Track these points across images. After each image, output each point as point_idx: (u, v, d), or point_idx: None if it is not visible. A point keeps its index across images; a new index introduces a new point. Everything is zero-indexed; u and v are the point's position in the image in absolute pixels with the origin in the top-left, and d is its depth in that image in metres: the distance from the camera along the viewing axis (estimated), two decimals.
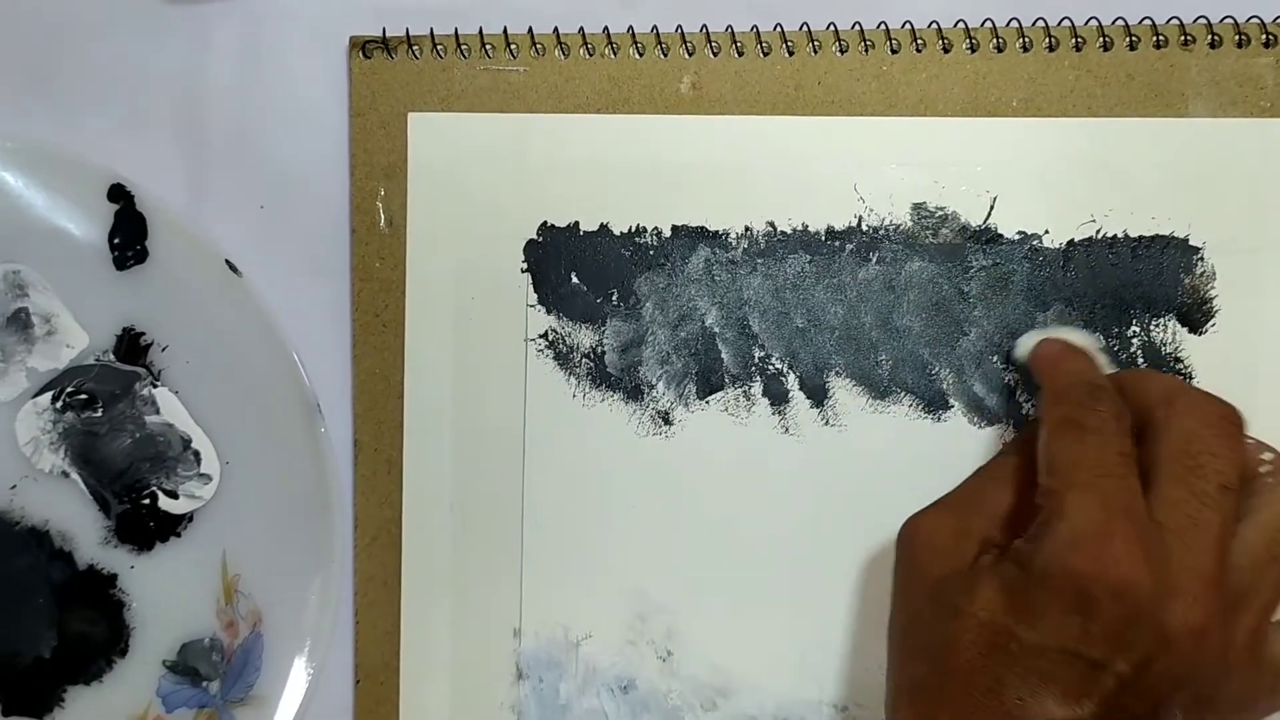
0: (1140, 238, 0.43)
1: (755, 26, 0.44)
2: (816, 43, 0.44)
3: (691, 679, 0.45)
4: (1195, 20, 0.43)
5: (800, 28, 0.44)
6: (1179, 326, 0.43)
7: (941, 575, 0.36)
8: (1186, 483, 0.34)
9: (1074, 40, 0.43)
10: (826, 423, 0.44)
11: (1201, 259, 0.43)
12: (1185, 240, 0.43)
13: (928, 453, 0.44)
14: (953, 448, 0.44)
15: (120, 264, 0.45)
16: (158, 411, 0.46)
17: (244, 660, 0.46)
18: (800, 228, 0.44)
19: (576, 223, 0.45)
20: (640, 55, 0.44)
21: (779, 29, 0.44)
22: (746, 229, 0.44)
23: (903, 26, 0.44)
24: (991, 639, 0.34)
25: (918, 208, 0.44)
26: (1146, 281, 0.43)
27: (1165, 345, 0.43)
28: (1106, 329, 0.43)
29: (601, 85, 0.44)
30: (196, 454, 0.46)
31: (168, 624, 0.46)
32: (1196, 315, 0.43)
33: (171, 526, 0.46)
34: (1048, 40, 0.43)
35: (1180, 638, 0.32)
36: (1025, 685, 0.33)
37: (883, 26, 0.44)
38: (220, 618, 0.46)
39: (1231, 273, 0.43)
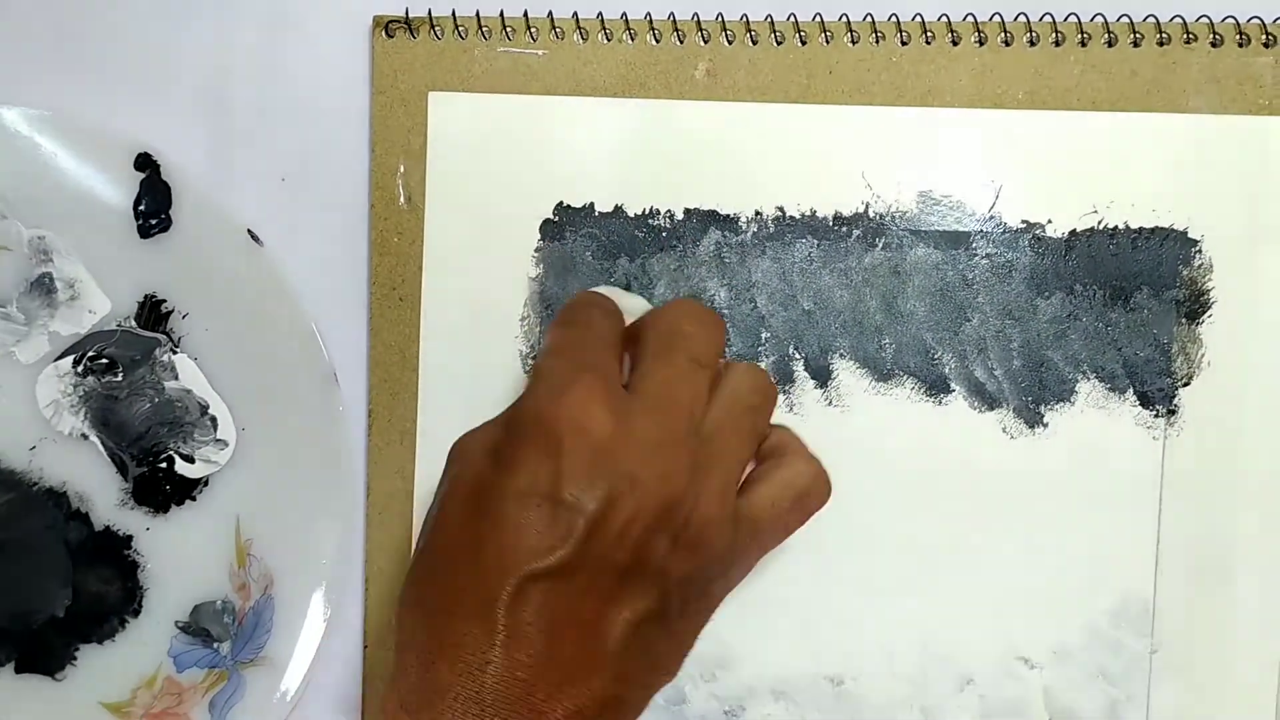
0: (1140, 229, 0.44)
1: (769, 16, 0.45)
2: (829, 33, 0.45)
3: (692, 652, 0.46)
4: (1198, 19, 0.44)
5: (813, 18, 0.45)
6: (1179, 318, 0.44)
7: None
8: (661, 358, 0.37)
9: (1080, 36, 0.44)
10: (830, 403, 0.45)
11: (1200, 251, 0.44)
12: (1184, 233, 0.44)
13: (928, 434, 0.45)
14: (953, 430, 0.45)
15: (144, 232, 0.46)
16: (176, 377, 0.47)
17: (255, 622, 0.47)
18: (809, 213, 0.45)
19: (592, 204, 0.46)
20: (657, 41, 0.45)
21: (792, 18, 0.45)
22: (756, 213, 0.45)
23: (913, 19, 0.45)
24: (476, 497, 0.35)
25: (924, 195, 0.45)
26: (1146, 272, 0.44)
27: (1163, 337, 0.44)
28: (1105, 317, 0.44)
29: (618, 70, 0.45)
30: (213, 420, 0.47)
31: (181, 585, 0.47)
32: (1194, 306, 0.44)
33: (187, 490, 0.47)
34: (1054, 35, 0.44)
35: (646, 480, 0.34)
36: (502, 533, 0.34)
37: (893, 18, 0.45)
38: (233, 580, 0.47)
39: (1229, 265, 0.44)
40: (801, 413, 0.45)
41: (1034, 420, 0.45)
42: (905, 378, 0.45)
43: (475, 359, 0.46)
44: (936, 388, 0.45)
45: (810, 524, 0.45)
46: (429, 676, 0.33)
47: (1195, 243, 0.44)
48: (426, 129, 0.46)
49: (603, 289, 0.42)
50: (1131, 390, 0.45)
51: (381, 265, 0.46)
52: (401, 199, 0.46)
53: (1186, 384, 0.44)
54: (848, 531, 0.45)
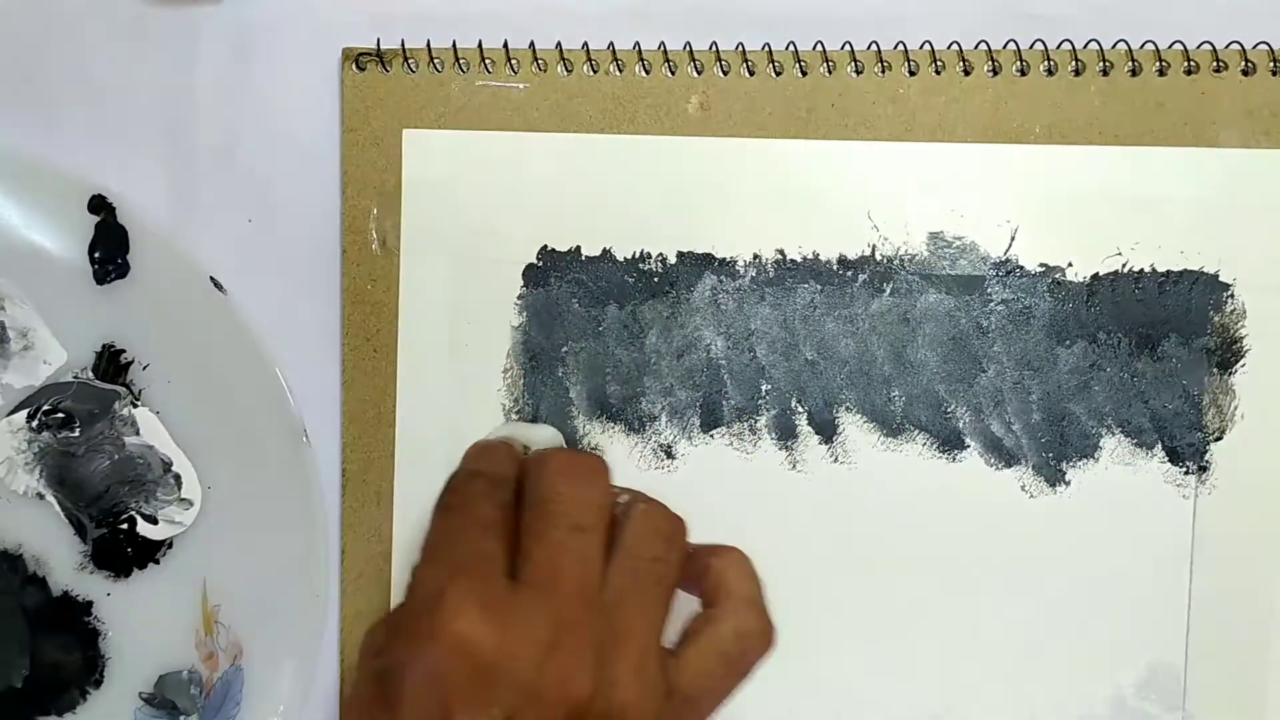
0: (1168, 272, 0.41)
1: (767, 45, 0.42)
2: (831, 63, 0.42)
3: None
4: (1228, 46, 0.41)
5: (814, 47, 0.42)
6: (1210, 367, 0.41)
7: None
8: (542, 535, 0.34)
9: (1101, 64, 0.41)
10: (836, 460, 0.42)
11: (1232, 296, 0.41)
12: (1215, 276, 0.41)
13: (942, 494, 0.42)
14: (968, 489, 0.42)
15: (100, 278, 0.43)
16: (137, 432, 0.44)
17: (223, 694, 0.44)
18: (811, 256, 0.42)
19: (578, 247, 0.43)
20: (646, 73, 0.42)
21: (792, 48, 0.42)
22: (755, 256, 0.42)
23: (921, 47, 0.42)
24: None
25: (935, 237, 0.42)
26: (1174, 319, 0.41)
27: (1194, 388, 0.41)
28: (1131, 367, 0.41)
29: (605, 104, 0.42)
30: (177, 477, 0.44)
31: (145, 655, 0.44)
32: (1226, 355, 0.41)
33: (150, 553, 0.44)
34: (1073, 64, 0.41)
35: (546, 688, 0.31)
36: None
37: (900, 47, 0.42)
38: (199, 649, 0.44)
39: (1263, 311, 0.41)
40: (805, 470, 0.42)
41: (1055, 478, 0.42)
42: (916, 433, 0.42)
43: (455, 414, 0.43)
44: (950, 444, 0.42)
45: (817, 588, 0.43)
46: None
47: (1227, 286, 0.41)
48: (401, 168, 0.43)
49: (502, 431, 0.40)
50: (1160, 445, 0.41)
51: (354, 314, 0.43)
52: (375, 243, 0.43)
53: (1219, 438, 0.41)
54: (855, 598, 0.42)
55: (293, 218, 0.44)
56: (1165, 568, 0.42)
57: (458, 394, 0.43)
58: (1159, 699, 0.42)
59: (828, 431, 0.42)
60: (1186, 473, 0.41)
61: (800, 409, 0.42)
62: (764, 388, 0.42)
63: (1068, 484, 0.42)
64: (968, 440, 0.42)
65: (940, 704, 0.42)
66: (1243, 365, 0.41)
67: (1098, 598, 0.42)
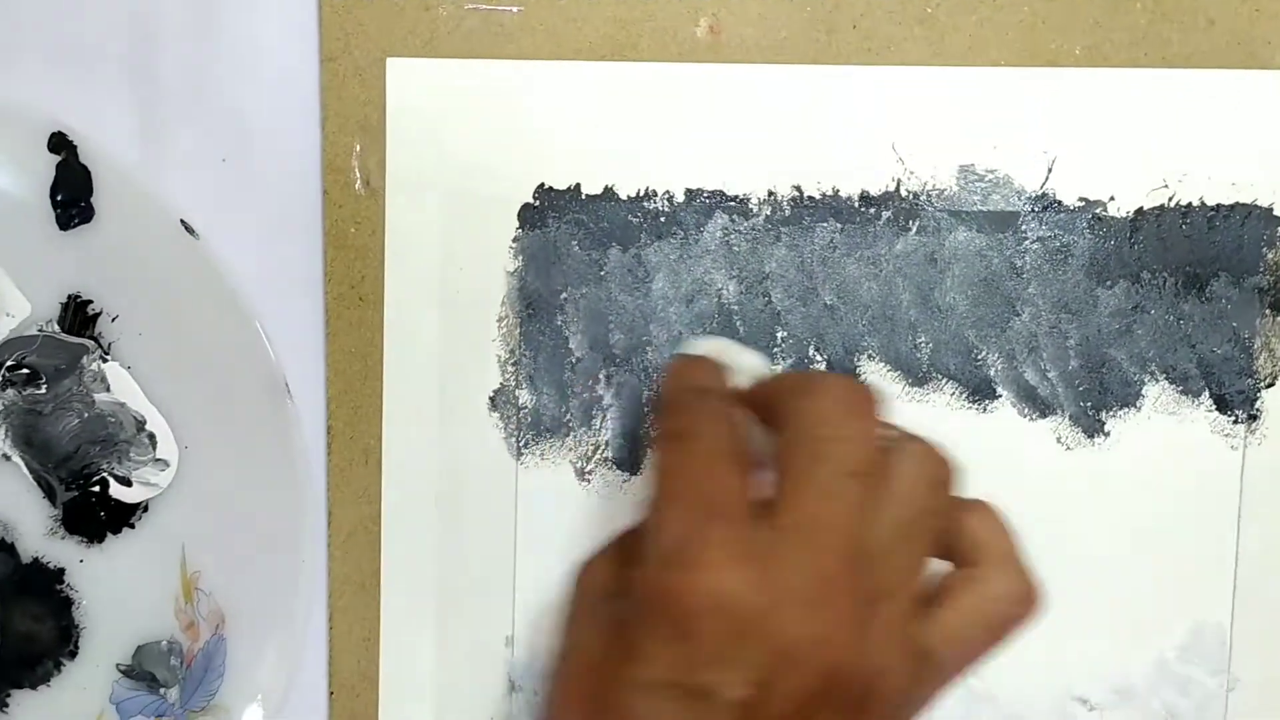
0: (1218, 206, 0.38)
1: None
2: None
3: None
4: None
5: None
6: (1262, 308, 0.38)
7: None
8: (810, 474, 0.30)
9: None
10: None
11: None
12: (1269, 210, 0.38)
13: (971, 446, 0.39)
14: (1000, 441, 0.39)
15: (64, 223, 0.40)
16: (108, 389, 0.41)
17: (205, 665, 0.41)
18: (830, 192, 0.39)
19: (578, 185, 0.39)
20: None
21: None
22: (770, 193, 0.39)
23: None
24: (593, 686, 0.30)
25: (965, 170, 0.38)
26: (1224, 256, 0.38)
27: (1244, 330, 0.38)
28: (1177, 309, 0.38)
29: (606, 28, 0.39)
30: (151, 437, 0.41)
31: (121, 624, 0.41)
32: None
33: (124, 517, 0.41)
34: None
35: (802, 649, 0.28)
36: None
37: None
38: (179, 618, 0.41)
39: None
40: None
41: (1094, 429, 0.39)
42: (944, 381, 0.39)
43: (446, 366, 0.40)
44: (980, 392, 0.39)
45: None
46: None
47: None
48: (385, 101, 0.40)
49: (702, 345, 0.37)
50: (1207, 393, 0.38)
51: (337, 260, 0.40)
52: (358, 183, 0.40)
53: (1271, 385, 0.38)
54: None
55: (269, 156, 0.40)
56: (1211, 523, 0.39)
57: (449, 344, 0.40)
58: (1203, 663, 0.39)
59: None
60: (1235, 422, 0.38)
61: (819, 357, 0.39)
62: (780, 335, 0.39)
63: (1107, 435, 0.39)
64: (999, 389, 0.39)
65: None
66: None
67: (1138, 556, 0.39)
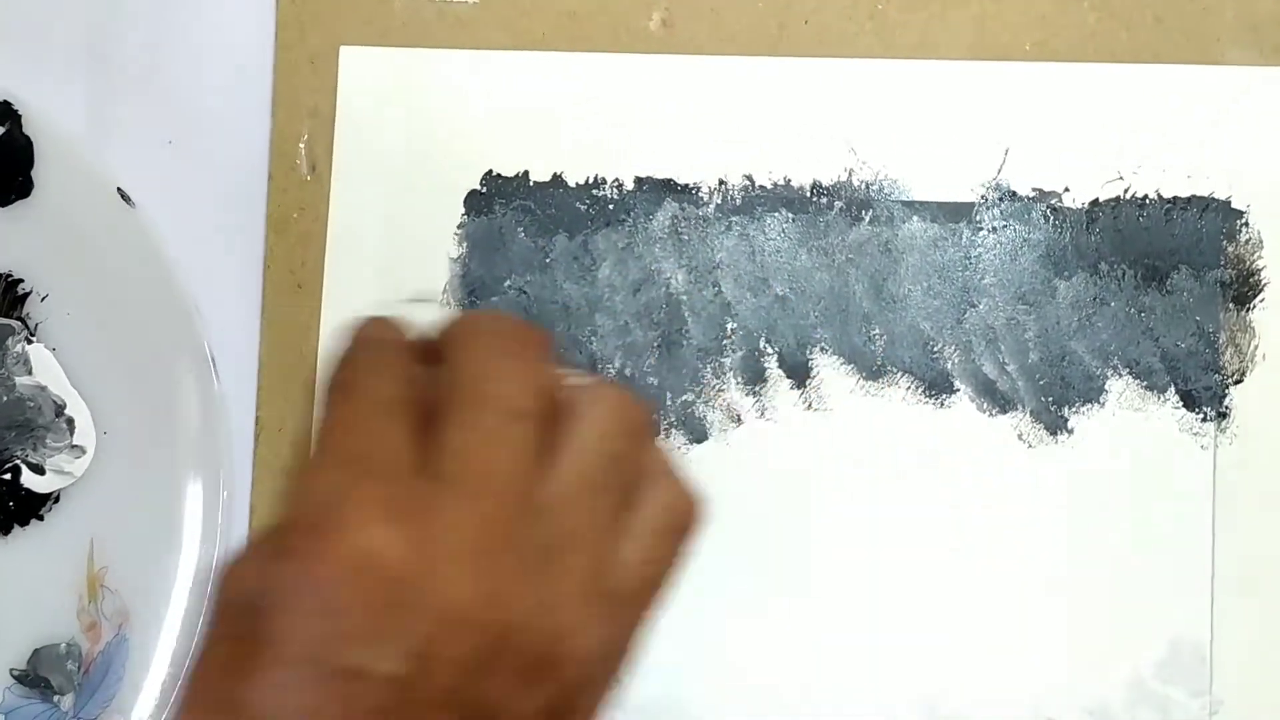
0: (1175, 198, 0.37)
1: None
2: None
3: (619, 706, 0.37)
4: None
5: None
6: (1225, 302, 0.37)
7: None
8: (468, 421, 0.27)
9: None
10: (809, 406, 0.38)
11: (1246, 224, 0.37)
12: (1226, 203, 0.37)
13: (928, 443, 0.37)
14: (958, 437, 0.37)
15: (2, 199, 0.39)
16: (30, 371, 0.39)
17: (104, 670, 0.38)
18: (782, 182, 0.38)
19: (526, 172, 0.39)
20: None
21: None
22: (721, 183, 0.38)
23: None
24: (234, 668, 0.25)
25: (917, 161, 0.38)
26: (1184, 249, 0.37)
27: (1208, 324, 0.37)
28: (1138, 301, 0.37)
29: (559, 20, 0.39)
30: (70, 422, 0.39)
31: (19, 624, 0.38)
32: (1243, 289, 0.37)
33: (34, 508, 0.39)
34: None
35: (466, 611, 0.25)
36: None
37: None
38: (81, 618, 0.38)
39: None
40: (774, 418, 0.38)
41: (1056, 425, 0.37)
42: (899, 375, 0.38)
43: None
44: (937, 387, 0.37)
45: (789, 545, 0.37)
46: None
47: (1240, 214, 0.37)
48: (336, 89, 0.39)
49: (398, 302, 0.34)
50: (1173, 389, 0.37)
51: (278, 246, 0.39)
52: (304, 169, 0.39)
53: (1239, 381, 0.37)
54: (831, 563, 0.37)
55: (217, 140, 0.40)
56: (1184, 527, 0.37)
57: None
58: (1182, 682, 0.36)
59: (800, 374, 0.38)
60: (1204, 419, 0.37)
61: (770, 350, 0.38)
62: (729, 326, 0.38)
63: (1070, 432, 0.37)
64: (957, 383, 0.37)
65: (928, 688, 0.37)
66: (1261, 301, 0.37)
67: (1108, 562, 0.37)
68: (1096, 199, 0.37)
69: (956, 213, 0.38)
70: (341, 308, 0.39)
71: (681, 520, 0.28)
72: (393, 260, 0.39)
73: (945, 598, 0.37)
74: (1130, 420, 0.37)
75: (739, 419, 0.38)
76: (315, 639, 0.24)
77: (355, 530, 0.25)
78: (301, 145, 0.39)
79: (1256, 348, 0.37)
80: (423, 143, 0.39)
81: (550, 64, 0.39)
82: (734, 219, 0.38)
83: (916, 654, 0.37)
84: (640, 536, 0.28)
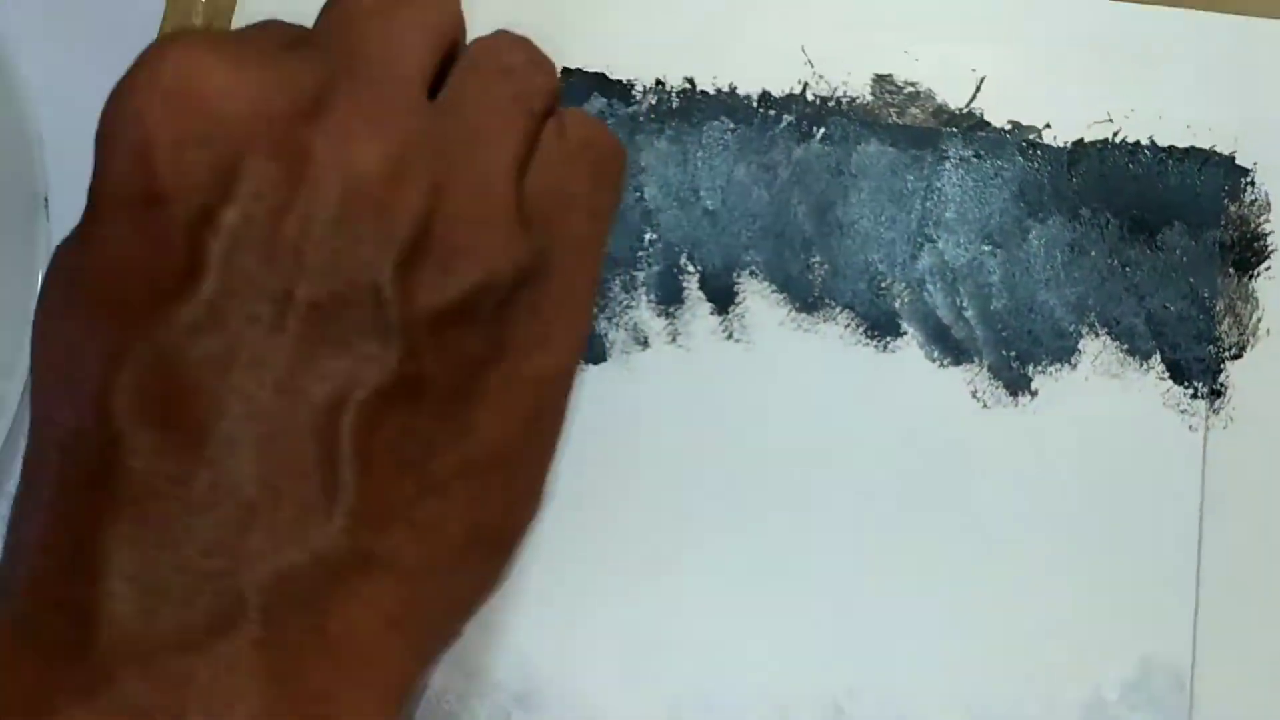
0: (1171, 148, 0.32)
1: None
2: None
3: (483, 677, 0.30)
4: None
5: None
6: (1224, 266, 0.32)
7: None
8: (338, 3, 0.24)
9: None
10: (730, 335, 0.32)
11: (1252, 183, 0.32)
12: (1230, 158, 0.32)
13: (865, 391, 0.31)
14: (901, 387, 0.31)
15: None
16: None
17: None
18: (726, 89, 0.34)
19: None
20: None
21: None
22: (658, 82, 0.34)
23: None
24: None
25: (881, 80, 0.33)
26: (1178, 204, 0.32)
27: (1203, 289, 0.31)
28: (1122, 255, 0.32)
29: None
30: None
31: None
32: (1246, 253, 0.32)
33: None
34: None
35: (314, 145, 0.21)
36: (76, 287, 0.22)
37: None
38: None
39: None
40: (688, 345, 0.32)
41: (1018, 385, 0.31)
42: (838, 310, 0.32)
43: None
44: (882, 327, 0.32)
45: (684, 510, 0.31)
46: None
47: (1246, 172, 0.32)
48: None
49: None
50: (1158, 356, 0.31)
51: None
52: (198, 20, 0.35)
53: (1237, 356, 0.31)
54: (734, 525, 0.31)
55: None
56: (1165, 523, 0.30)
57: None
58: (1153, 709, 0.29)
59: (723, 299, 0.32)
60: (1194, 395, 0.31)
61: (691, 269, 0.32)
62: (648, 237, 0.33)
63: (1033, 394, 0.31)
64: (904, 325, 0.32)
65: (840, 687, 0.29)
66: (1267, 268, 0.32)
67: (1070, 557, 0.30)
68: (1081, 139, 0.33)
69: (920, 138, 0.33)
70: None
71: (595, 136, 0.26)
72: None
73: (868, 577, 0.30)
74: (1106, 387, 0.31)
75: (646, 341, 0.32)
76: (126, 167, 0.21)
77: (166, 49, 0.21)
78: (196, 13, 0.35)
79: (1260, 320, 0.31)
80: None
81: None
82: (668, 122, 0.33)
83: (826, 648, 0.30)
84: (552, 153, 0.24)
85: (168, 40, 0.22)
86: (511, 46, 0.25)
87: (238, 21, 0.35)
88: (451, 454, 0.22)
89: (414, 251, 0.21)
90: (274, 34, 0.24)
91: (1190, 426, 0.31)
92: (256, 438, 0.20)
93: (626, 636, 0.30)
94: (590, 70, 0.34)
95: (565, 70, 0.34)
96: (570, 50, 0.34)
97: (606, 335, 0.32)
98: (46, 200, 0.33)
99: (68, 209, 0.33)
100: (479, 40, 0.25)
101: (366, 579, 0.20)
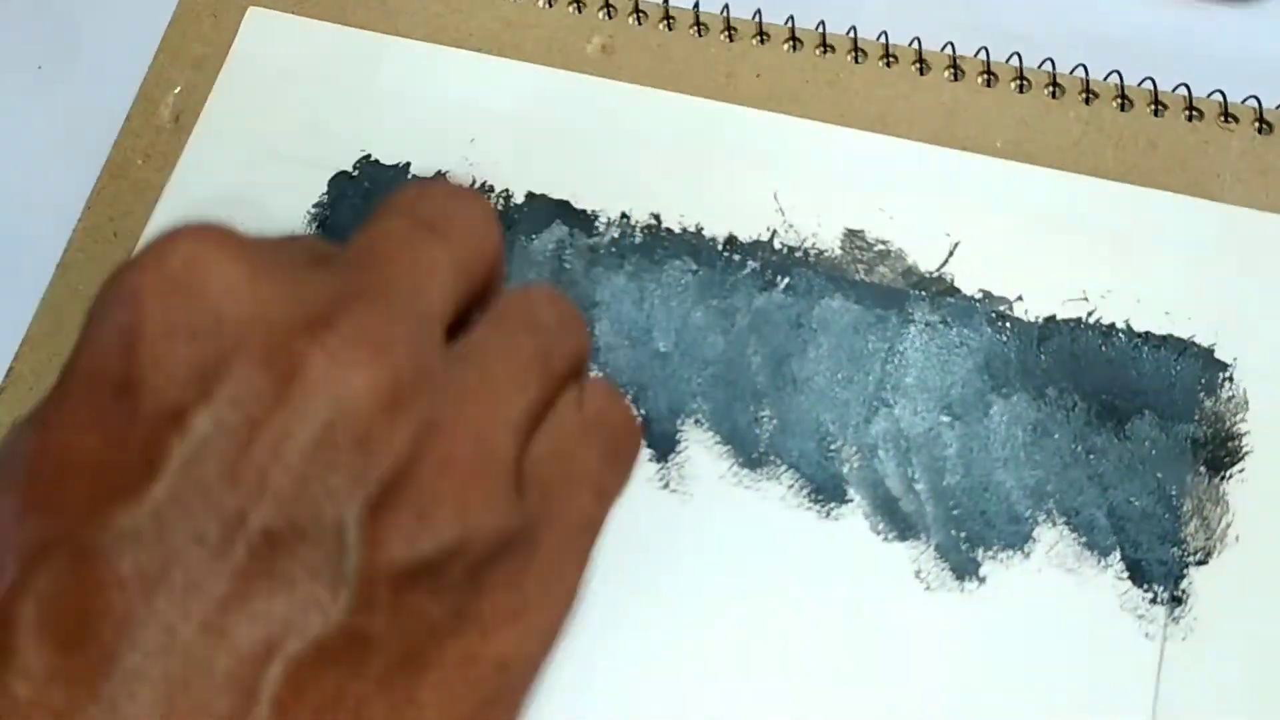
0: (1147, 334, 0.31)
1: (696, 2, 0.35)
2: (766, 34, 0.35)
3: None
4: (1244, 101, 0.33)
5: (753, 17, 0.35)
6: (1195, 464, 0.30)
7: None
8: (375, 221, 0.22)
9: (1084, 94, 0.34)
10: (667, 485, 0.30)
11: (1230, 379, 0.30)
12: (1209, 351, 0.31)
13: (804, 559, 0.29)
14: (841, 560, 0.29)
15: None
16: None
17: None
18: (693, 229, 0.33)
19: (408, 164, 0.34)
20: (550, 5, 0.35)
21: (725, 12, 0.35)
22: (623, 216, 0.33)
23: (877, 38, 0.35)
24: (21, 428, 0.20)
25: (853, 236, 0.32)
26: (1151, 393, 0.30)
27: (1171, 486, 0.30)
28: (1087, 442, 0.30)
29: (493, 25, 0.35)
30: None
31: None
32: (1220, 453, 0.30)
33: None
34: (1051, 87, 0.34)
35: (314, 358, 0.18)
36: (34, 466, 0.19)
37: (851, 33, 0.35)
38: None
39: (1270, 408, 0.30)
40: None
41: (965, 569, 0.29)
42: (783, 469, 0.30)
43: None
44: (827, 492, 0.30)
45: (612, 667, 0.29)
46: None
47: (1225, 366, 0.31)
48: (232, 45, 0.35)
49: None
50: (1118, 554, 0.29)
51: (108, 188, 0.34)
52: (167, 116, 0.35)
53: (1203, 562, 0.29)
54: (662, 687, 0.28)
55: (89, 72, 0.36)
56: None
57: None
58: None
59: (664, 446, 0.31)
60: (1154, 601, 0.29)
61: (637, 411, 0.31)
62: (593, 375, 0.31)
63: (981, 580, 0.29)
64: (851, 492, 0.30)
65: None
66: (1241, 471, 0.30)
67: None
68: (1054, 315, 0.31)
69: (887, 299, 0.32)
70: None
71: (616, 418, 0.24)
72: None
73: None
74: (1059, 582, 0.29)
75: None
76: (114, 345, 0.19)
77: (175, 243, 0.19)
78: (174, 93, 0.35)
79: (1229, 526, 0.29)
80: (304, 114, 0.34)
81: (470, 64, 0.35)
82: (628, 257, 0.32)
83: None
84: (563, 426, 0.22)
85: (184, 228, 0.20)
86: (546, 301, 0.23)
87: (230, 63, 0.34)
88: None
89: (390, 493, 0.18)
90: (300, 247, 0.22)
91: (1146, 633, 0.28)
92: (166, 679, 0.17)
93: None
94: (554, 197, 0.33)
95: (529, 195, 0.33)
96: (537, 175, 0.33)
97: None
98: None
99: None
100: (514, 290, 0.23)
101: None
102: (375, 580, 0.18)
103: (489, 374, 0.21)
